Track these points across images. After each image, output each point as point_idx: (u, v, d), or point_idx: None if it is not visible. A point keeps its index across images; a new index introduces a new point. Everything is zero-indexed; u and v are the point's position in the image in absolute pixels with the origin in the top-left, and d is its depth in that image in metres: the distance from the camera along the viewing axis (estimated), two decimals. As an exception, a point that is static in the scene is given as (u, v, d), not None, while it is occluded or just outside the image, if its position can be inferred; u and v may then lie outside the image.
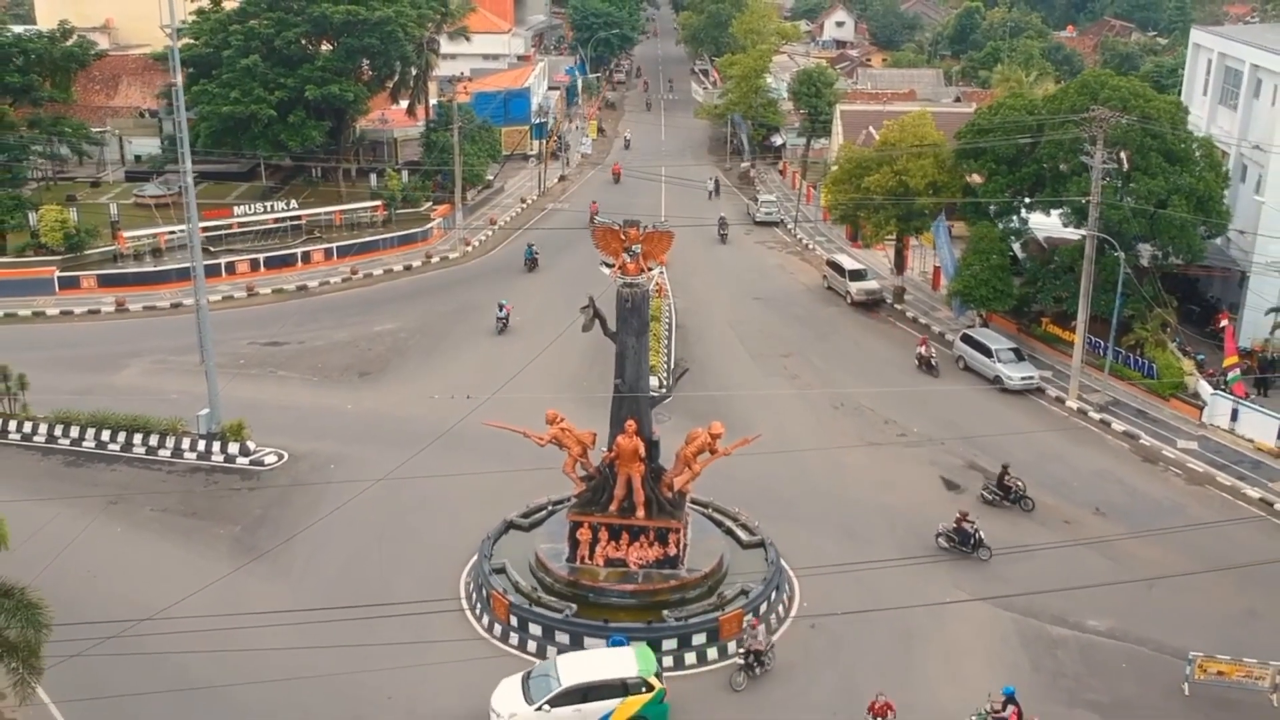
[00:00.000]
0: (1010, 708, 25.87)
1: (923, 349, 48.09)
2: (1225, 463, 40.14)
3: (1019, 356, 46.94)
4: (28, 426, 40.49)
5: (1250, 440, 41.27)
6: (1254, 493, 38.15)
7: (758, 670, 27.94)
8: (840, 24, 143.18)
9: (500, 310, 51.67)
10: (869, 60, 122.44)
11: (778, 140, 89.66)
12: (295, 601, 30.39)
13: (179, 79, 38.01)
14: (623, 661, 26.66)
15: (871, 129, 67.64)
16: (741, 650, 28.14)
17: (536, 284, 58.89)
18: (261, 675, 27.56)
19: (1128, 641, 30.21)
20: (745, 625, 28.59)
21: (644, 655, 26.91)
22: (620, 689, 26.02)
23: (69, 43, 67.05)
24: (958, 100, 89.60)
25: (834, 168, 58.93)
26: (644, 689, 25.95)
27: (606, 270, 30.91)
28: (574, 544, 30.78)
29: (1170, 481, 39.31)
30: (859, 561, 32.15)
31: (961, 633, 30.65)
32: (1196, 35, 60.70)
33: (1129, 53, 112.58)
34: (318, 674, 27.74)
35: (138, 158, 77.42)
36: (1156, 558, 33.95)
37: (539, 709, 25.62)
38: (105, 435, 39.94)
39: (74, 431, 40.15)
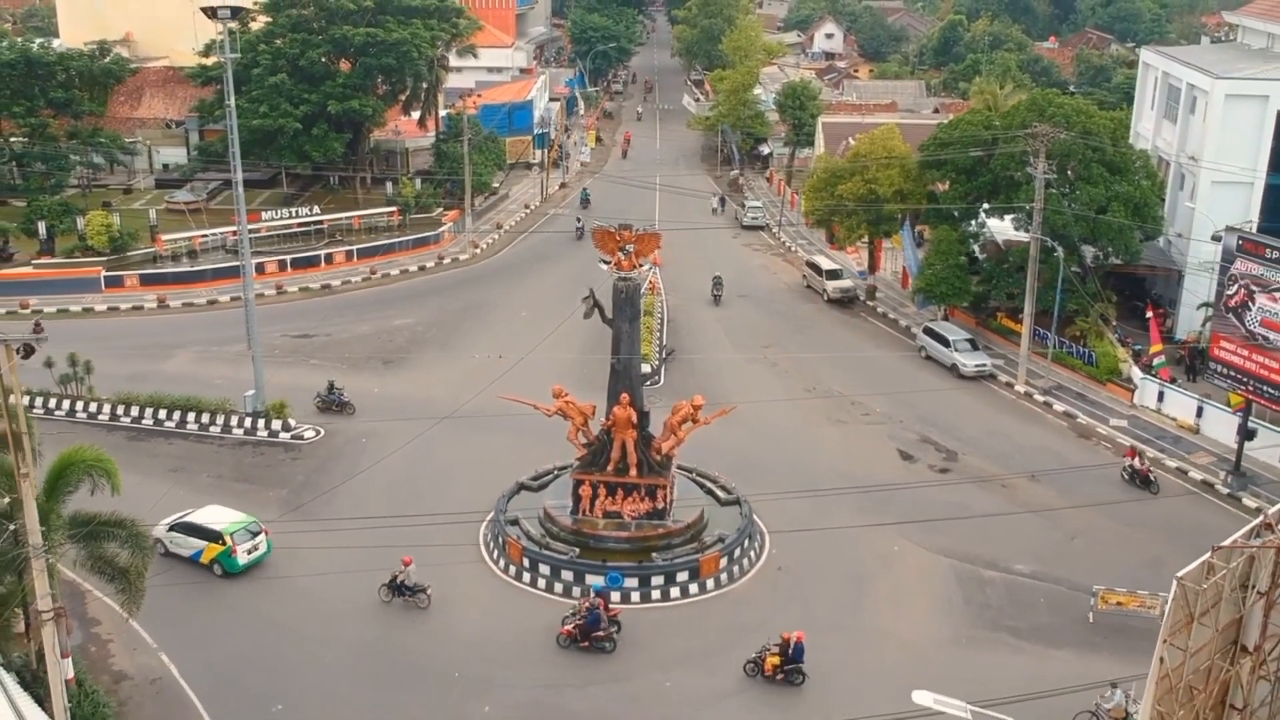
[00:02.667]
0: (598, 599, 32.09)
1: (1134, 461, 41.62)
2: (1150, 438, 45.51)
3: (974, 346, 52.32)
4: (93, 407, 45.80)
5: (1174, 419, 46.64)
6: (1172, 463, 43.52)
7: (399, 599, 33.20)
8: (829, 36, 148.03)
9: (579, 223, 71.98)
10: (856, 71, 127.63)
11: (765, 149, 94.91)
12: (337, 547, 35.70)
13: (231, 100, 43.31)
14: (222, 519, 35.15)
15: (851, 139, 72.87)
16: (395, 576, 33.38)
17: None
18: (304, 606, 33.14)
19: (1047, 582, 35.56)
20: (401, 562, 33.69)
21: (239, 522, 35.08)
22: (211, 535, 34.56)
23: (107, 60, 72.62)
24: (936, 111, 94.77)
25: (811, 176, 64.26)
26: (220, 541, 34.29)
27: (604, 267, 36.28)
28: (576, 499, 36.17)
29: (1100, 454, 44.68)
30: (811, 491, 37.61)
31: (907, 575, 36.02)
32: (1145, 55, 66.14)
33: (1103, 65, 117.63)
34: (354, 606, 33.22)
35: (165, 166, 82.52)
36: (1080, 514, 39.31)
37: (167, 529, 34.88)
38: (162, 414, 45.28)
39: (134, 411, 45.48)
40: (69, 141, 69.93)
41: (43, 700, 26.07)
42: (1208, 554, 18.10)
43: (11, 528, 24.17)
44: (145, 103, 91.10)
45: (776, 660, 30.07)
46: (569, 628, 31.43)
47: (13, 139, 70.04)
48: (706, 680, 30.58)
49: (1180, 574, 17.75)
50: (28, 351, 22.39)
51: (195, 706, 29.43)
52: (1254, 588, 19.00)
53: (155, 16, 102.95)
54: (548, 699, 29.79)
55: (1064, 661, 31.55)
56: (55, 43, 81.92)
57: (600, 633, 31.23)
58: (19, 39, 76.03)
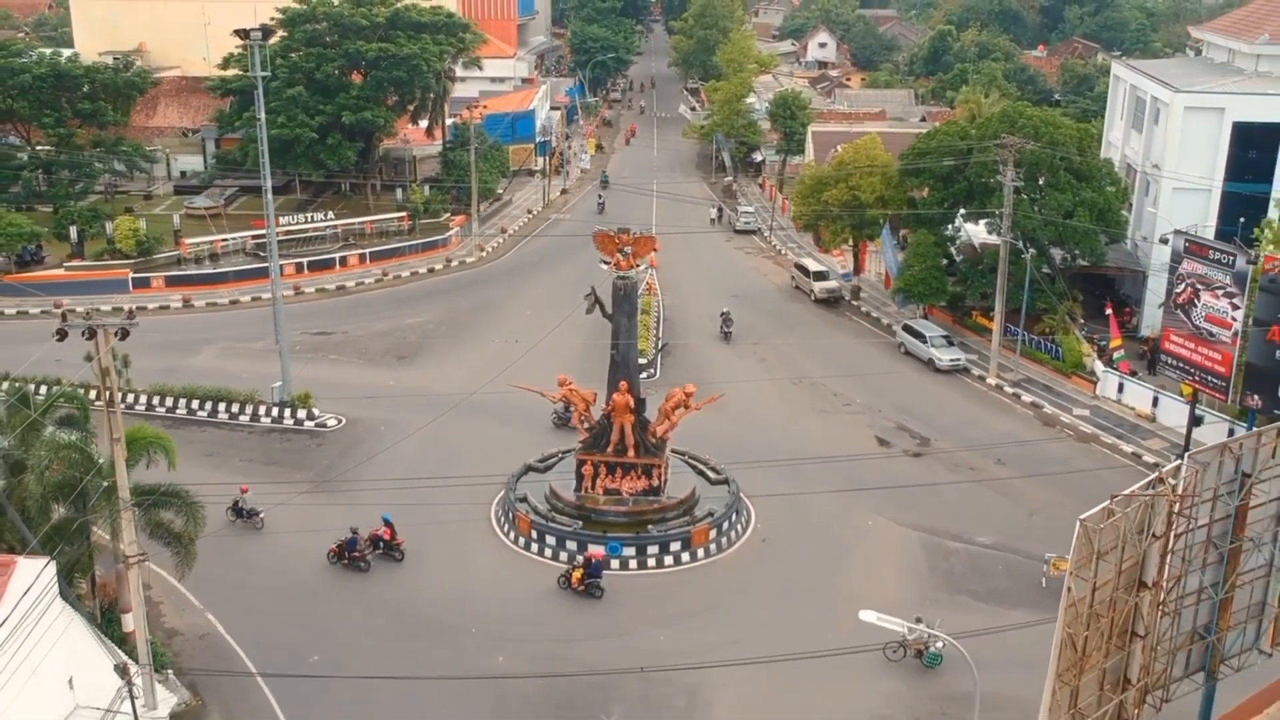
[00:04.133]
0: (385, 528, 37.43)
1: None
2: (1110, 425, 49.21)
3: (949, 342, 56.01)
4: (130, 398, 49.36)
5: (1132, 408, 50.34)
6: (1128, 448, 47.21)
7: (238, 520, 39.24)
8: (823, 45, 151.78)
9: (599, 198, 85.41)
10: (848, 80, 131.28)
11: (758, 157, 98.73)
12: (362, 520, 39.44)
13: (262, 115, 46.90)
14: None
15: (839, 147, 76.57)
16: (236, 502, 39.54)
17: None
18: (331, 572, 36.90)
19: (1006, 552, 39.20)
20: (239, 489, 39.65)
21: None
22: None
23: (130, 72, 76.34)
24: (923, 120, 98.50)
25: (798, 183, 68.02)
26: None
27: (605, 267, 39.97)
28: (579, 477, 39.85)
29: (1063, 440, 48.37)
30: (794, 469, 41.23)
31: (879, 546, 39.67)
32: (1116, 68, 69.99)
33: (1086, 74, 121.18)
34: (378, 571, 36.96)
35: (183, 173, 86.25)
36: (1040, 494, 42.97)
37: None
38: (195, 404, 48.94)
39: (169, 401, 49.14)
40: (93, 150, 73.63)
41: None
42: (1107, 500, 21.70)
43: (105, 485, 27.78)
44: (160, 112, 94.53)
45: (579, 574, 35.94)
46: (334, 546, 37.15)
47: (39, 147, 73.77)
48: (697, 635, 34.18)
49: (1082, 516, 21.37)
50: (124, 334, 26.04)
51: (242, 658, 33.04)
52: (1150, 531, 22.62)
53: (167, 28, 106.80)
54: (555, 651, 33.40)
55: (1016, 620, 35.13)
56: (70, 53, 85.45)
57: (357, 554, 36.90)
58: (47, 51, 79.66)
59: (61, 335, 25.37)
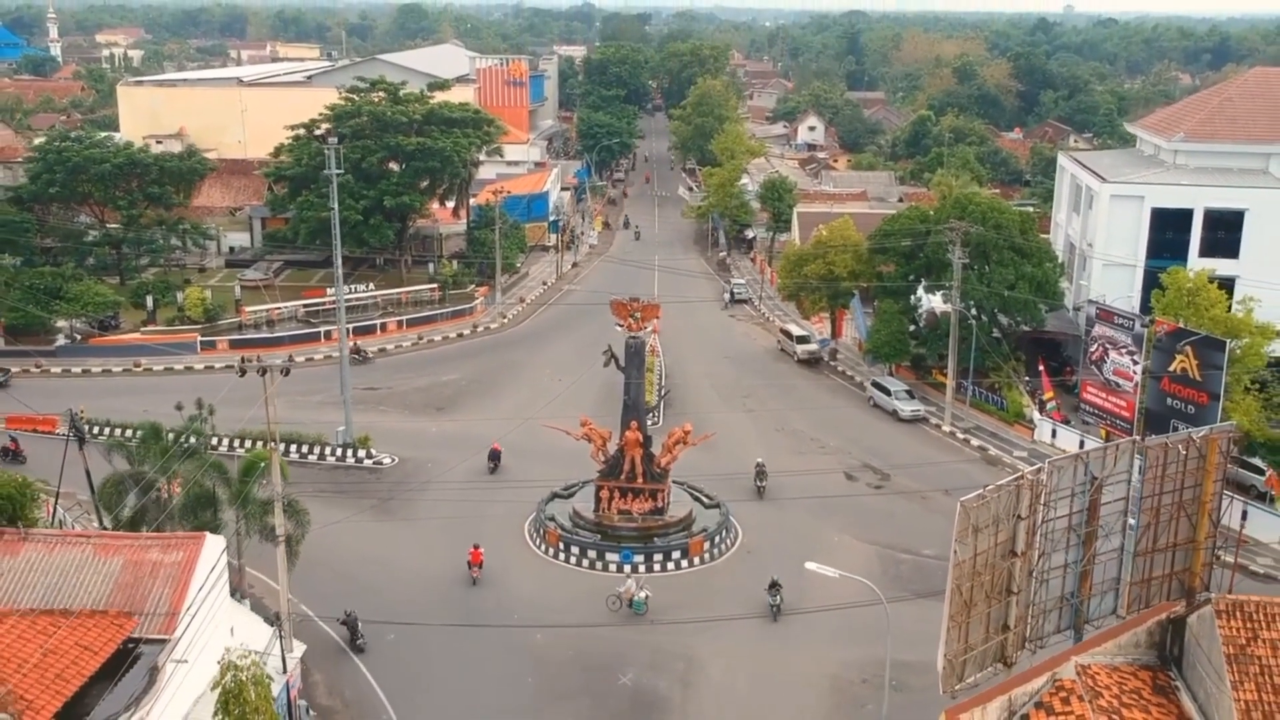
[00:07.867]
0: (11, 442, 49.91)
1: None
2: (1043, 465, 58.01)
3: (910, 396, 65.16)
4: (214, 440, 58.31)
5: (1063, 450, 59.22)
6: (1056, 482, 56.06)
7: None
8: (812, 128, 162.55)
9: (634, 230, 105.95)
10: (835, 161, 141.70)
11: (750, 234, 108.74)
12: (419, 537, 48.34)
13: (335, 204, 56.65)
14: None
15: (820, 227, 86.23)
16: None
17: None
18: (394, 575, 45.66)
19: (945, 561, 47.41)
20: None
21: None
22: None
23: (193, 160, 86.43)
24: (901, 200, 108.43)
25: (782, 259, 77.69)
26: None
27: (619, 328, 49.24)
28: (597, 500, 48.78)
29: (1002, 476, 57.04)
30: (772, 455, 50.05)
31: (842, 557, 48.13)
32: (1060, 159, 79.99)
33: (1054, 157, 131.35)
34: (431, 574, 45.77)
35: (231, 249, 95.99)
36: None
37: None
38: (271, 445, 57.75)
39: (248, 443, 57.98)
40: (157, 228, 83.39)
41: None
42: (982, 488, 30.64)
43: (265, 482, 36.76)
44: (204, 192, 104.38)
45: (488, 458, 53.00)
46: None
47: (109, 226, 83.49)
48: (691, 620, 42.98)
49: (962, 500, 30.29)
50: (286, 372, 35.16)
51: (333, 636, 41.73)
52: (1017, 514, 31.54)
53: (205, 113, 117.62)
54: (581, 633, 42.08)
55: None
56: (141, 144, 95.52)
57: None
58: (121, 140, 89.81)
59: (242, 372, 34.44)
